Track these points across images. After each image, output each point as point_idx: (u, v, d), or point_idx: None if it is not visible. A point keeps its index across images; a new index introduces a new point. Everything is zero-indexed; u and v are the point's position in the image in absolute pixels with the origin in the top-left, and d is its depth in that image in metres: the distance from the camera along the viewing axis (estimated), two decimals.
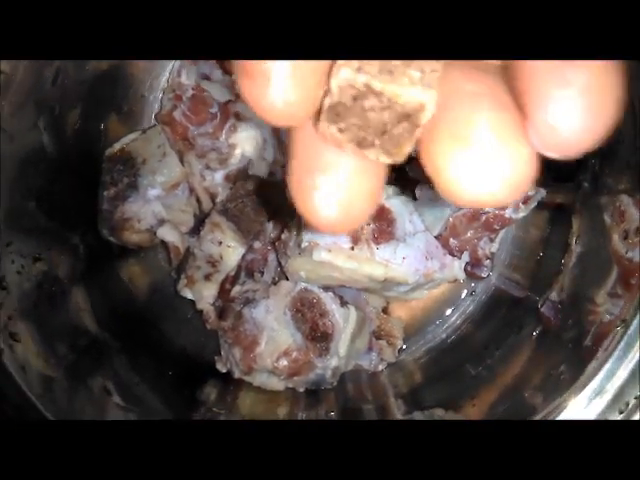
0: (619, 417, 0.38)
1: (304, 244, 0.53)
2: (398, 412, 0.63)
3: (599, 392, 0.40)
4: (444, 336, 0.69)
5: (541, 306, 0.60)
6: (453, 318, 0.69)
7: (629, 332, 0.40)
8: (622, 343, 0.40)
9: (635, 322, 0.40)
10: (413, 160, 0.65)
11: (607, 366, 0.40)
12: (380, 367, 0.66)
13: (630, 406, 0.38)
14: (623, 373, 0.39)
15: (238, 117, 0.63)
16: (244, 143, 0.64)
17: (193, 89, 0.60)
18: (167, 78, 0.66)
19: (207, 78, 0.60)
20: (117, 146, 0.63)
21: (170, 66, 0.65)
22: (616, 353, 0.40)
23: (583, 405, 0.41)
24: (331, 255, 0.52)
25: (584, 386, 0.41)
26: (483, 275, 0.62)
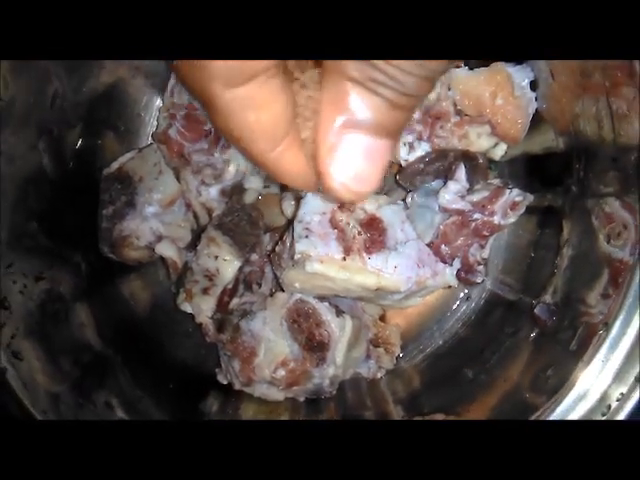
0: (602, 418, 0.39)
1: (297, 256, 0.54)
2: (398, 418, 0.64)
3: (583, 396, 0.40)
4: (441, 342, 0.69)
5: (536, 309, 0.61)
6: (449, 323, 0.69)
7: (612, 335, 0.40)
8: (605, 346, 0.40)
9: (617, 324, 0.40)
10: (403, 169, 0.66)
11: (590, 367, 0.40)
12: (378, 374, 0.67)
13: (612, 408, 0.38)
14: (607, 374, 0.39)
15: None
16: (238, 158, 0.65)
17: (186, 108, 0.62)
18: (162, 97, 0.68)
19: None
20: (114, 165, 0.65)
21: (165, 86, 0.67)
22: (598, 355, 0.40)
23: (568, 408, 0.41)
24: (323, 266, 0.53)
25: (572, 386, 0.41)
26: (477, 281, 0.62)
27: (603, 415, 0.38)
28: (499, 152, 0.63)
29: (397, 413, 0.65)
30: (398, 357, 0.68)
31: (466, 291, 0.68)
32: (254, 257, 0.66)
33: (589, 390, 0.41)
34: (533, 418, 0.44)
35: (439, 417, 0.62)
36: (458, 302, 0.69)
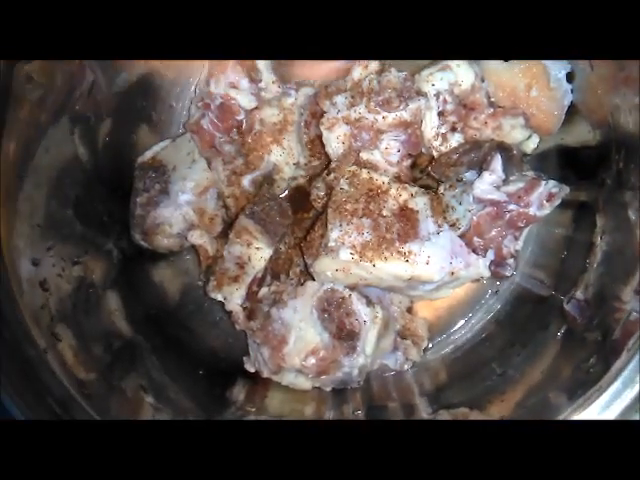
0: None
1: (331, 244, 0.54)
2: (424, 411, 0.64)
3: (627, 386, 0.40)
4: (469, 335, 0.69)
5: (566, 304, 0.60)
6: (478, 317, 0.69)
7: None
8: None
9: None
10: (436, 160, 0.66)
11: (635, 361, 0.40)
12: (405, 366, 0.66)
13: None
14: None
15: (263, 124, 0.65)
16: (269, 149, 0.66)
17: (221, 97, 0.62)
18: (194, 88, 0.69)
19: (234, 87, 0.62)
20: (148, 154, 0.66)
21: (196, 77, 0.68)
22: None
23: (611, 400, 0.40)
24: (357, 254, 0.53)
25: (612, 381, 0.41)
26: (507, 274, 0.62)
27: None
28: (531, 145, 0.63)
29: (423, 405, 0.65)
30: (425, 349, 0.68)
31: (497, 284, 0.68)
32: (283, 246, 0.67)
33: (633, 381, 0.40)
34: (571, 409, 0.44)
35: (464, 411, 0.61)
36: (487, 296, 0.69)
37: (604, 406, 0.43)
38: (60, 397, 0.49)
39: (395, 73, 0.57)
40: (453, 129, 0.59)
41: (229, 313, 0.65)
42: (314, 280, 0.60)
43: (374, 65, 0.58)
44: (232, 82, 0.62)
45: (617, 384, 0.43)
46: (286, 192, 0.69)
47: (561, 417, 0.48)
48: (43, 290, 0.54)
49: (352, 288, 0.59)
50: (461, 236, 0.57)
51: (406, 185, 0.58)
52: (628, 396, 0.42)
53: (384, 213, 0.55)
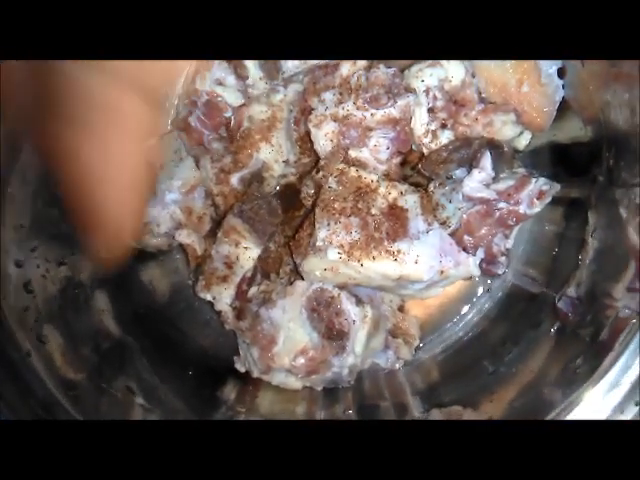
0: (636, 409, 0.38)
1: (319, 243, 0.53)
2: (416, 410, 0.63)
3: (615, 385, 0.40)
4: (461, 334, 0.69)
5: (558, 302, 0.60)
6: (470, 315, 0.69)
7: None
8: (638, 336, 0.40)
9: None
10: (426, 157, 0.65)
11: (623, 359, 0.39)
12: (397, 365, 0.66)
13: None
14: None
15: (251, 121, 0.64)
16: (258, 147, 0.65)
17: (207, 94, 0.61)
18: (181, 85, 0.67)
19: (221, 84, 0.61)
20: None
21: (184, 73, 0.67)
22: (631, 346, 0.39)
23: (599, 398, 0.40)
24: (345, 254, 0.53)
25: (600, 379, 0.41)
26: (499, 272, 0.61)
27: (637, 405, 0.37)
28: (523, 141, 0.62)
29: (415, 404, 0.65)
30: (417, 348, 0.67)
31: (489, 282, 0.67)
32: (272, 245, 0.66)
33: (621, 379, 0.40)
34: (561, 407, 0.44)
35: (457, 409, 0.61)
36: (479, 294, 0.68)
37: (596, 401, 0.43)
38: (45, 401, 0.49)
39: (384, 69, 0.56)
40: (443, 126, 0.58)
41: (219, 313, 0.65)
42: (303, 279, 0.60)
43: (362, 61, 0.58)
44: (218, 79, 0.61)
45: (607, 380, 0.43)
46: (276, 190, 0.69)
47: (553, 414, 0.48)
48: (27, 292, 0.53)
49: (341, 287, 0.59)
50: (451, 234, 0.56)
51: (396, 183, 0.57)
52: (619, 391, 0.42)
53: (373, 212, 0.54)
